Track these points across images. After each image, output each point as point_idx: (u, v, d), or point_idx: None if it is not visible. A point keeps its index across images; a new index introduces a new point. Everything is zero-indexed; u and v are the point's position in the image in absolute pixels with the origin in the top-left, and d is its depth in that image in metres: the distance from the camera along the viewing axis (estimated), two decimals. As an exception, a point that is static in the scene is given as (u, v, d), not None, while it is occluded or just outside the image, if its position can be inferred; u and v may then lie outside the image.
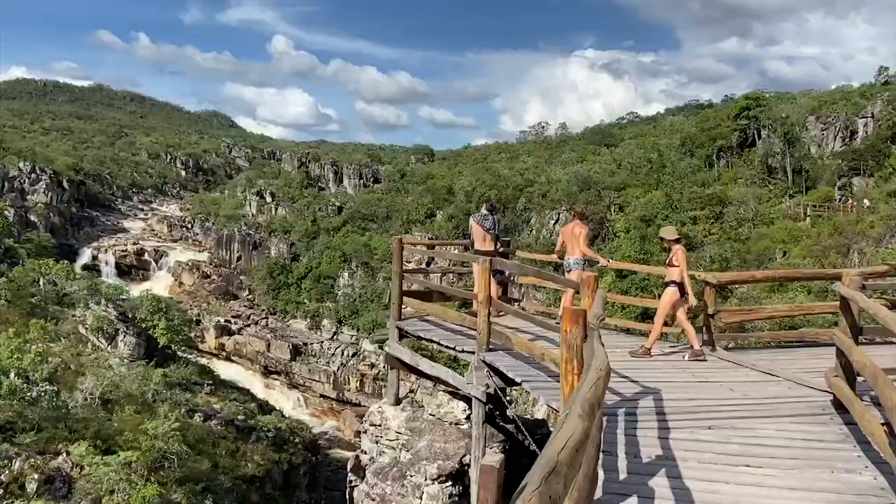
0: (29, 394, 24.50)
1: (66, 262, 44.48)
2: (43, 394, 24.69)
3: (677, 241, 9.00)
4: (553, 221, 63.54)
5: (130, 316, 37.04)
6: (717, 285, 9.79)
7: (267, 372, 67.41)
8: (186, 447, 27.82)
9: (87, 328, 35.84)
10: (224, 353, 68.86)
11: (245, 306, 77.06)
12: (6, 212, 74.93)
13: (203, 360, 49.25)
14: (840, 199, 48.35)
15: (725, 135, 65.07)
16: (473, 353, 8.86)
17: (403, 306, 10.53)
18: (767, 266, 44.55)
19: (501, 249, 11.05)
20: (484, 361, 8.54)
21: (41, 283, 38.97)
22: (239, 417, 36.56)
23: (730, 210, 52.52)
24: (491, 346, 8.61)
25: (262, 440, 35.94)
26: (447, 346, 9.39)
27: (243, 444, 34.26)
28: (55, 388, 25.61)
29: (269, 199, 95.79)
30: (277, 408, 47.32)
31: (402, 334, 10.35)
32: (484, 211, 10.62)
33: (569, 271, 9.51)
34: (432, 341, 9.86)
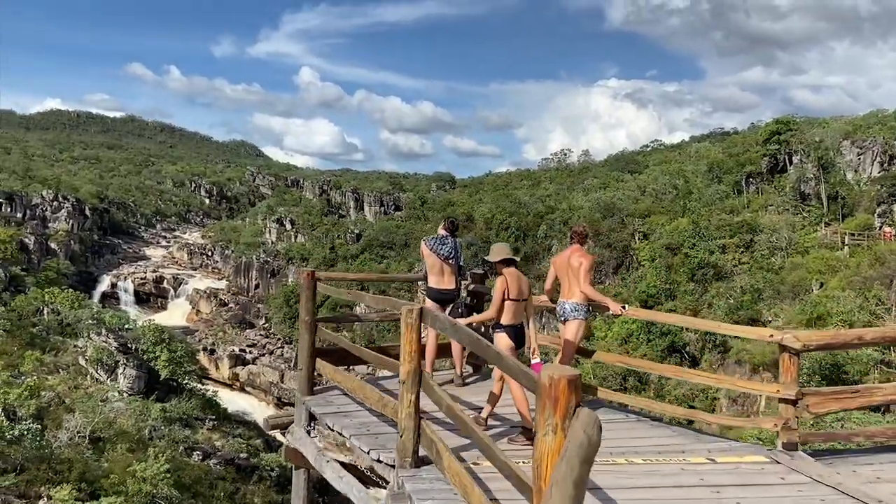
0: (11, 432, 23.00)
1: (70, 290, 43.54)
2: (26, 432, 23.20)
3: (507, 263, 6.05)
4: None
5: (132, 347, 35.71)
6: (801, 351, 5.60)
7: (281, 403, 65.59)
8: (178, 491, 26.14)
9: (86, 360, 34.55)
10: (238, 384, 67.42)
11: (261, 335, 75.78)
12: (25, 239, 75.09)
13: (214, 391, 47.75)
14: (880, 227, 45.70)
15: (755, 160, 62.76)
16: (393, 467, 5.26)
17: (317, 372, 7.34)
18: (803, 298, 41.98)
19: (471, 287, 8.28)
20: (406, 489, 4.79)
21: (45, 312, 37.98)
22: (241, 455, 34.81)
23: (761, 238, 50.10)
24: (423, 458, 5.05)
25: (265, 480, 34.10)
26: (359, 450, 5.72)
27: (244, 485, 32.45)
28: (39, 426, 24.11)
29: (288, 226, 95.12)
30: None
31: (313, 416, 6.96)
32: (441, 231, 7.54)
33: (564, 321, 6.72)
34: (341, 435, 6.15)
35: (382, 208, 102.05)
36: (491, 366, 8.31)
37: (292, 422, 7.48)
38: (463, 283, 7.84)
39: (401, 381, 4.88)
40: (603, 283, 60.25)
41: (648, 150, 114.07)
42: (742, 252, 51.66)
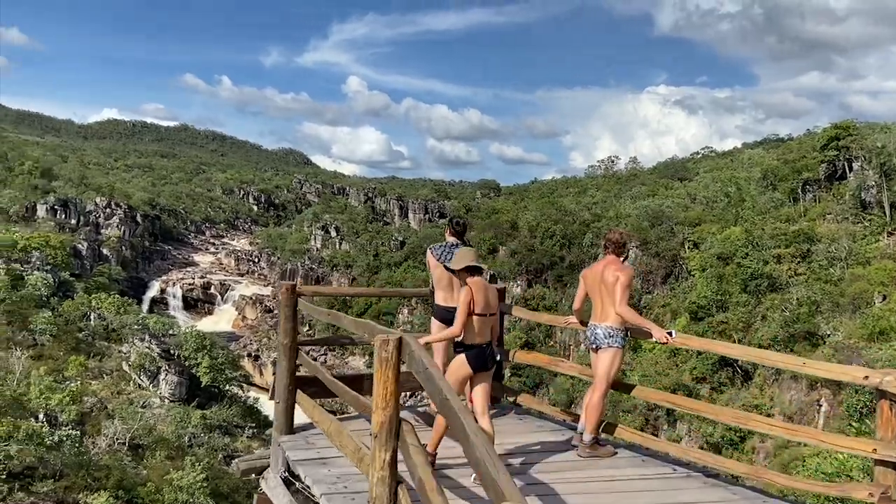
0: (51, 438, 23.14)
1: (117, 295, 44.22)
2: (66, 438, 23.31)
3: (472, 272, 5.10)
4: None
5: (174, 353, 35.93)
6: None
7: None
8: (215, 499, 25.98)
9: (130, 365, 34.88)
10: (281, 390, 67.71)
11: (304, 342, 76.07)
12: (78, 244, 77.15)
13: (256, 398, 47.94)
14: (949, 237, 43.17)
15: (812, 167, 60.24)
16: None
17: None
18: (865, 311, 39.80)
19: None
20: None
21: (91, 317, 38.59)
22: (280, 464, 34.63)
23: (819, 248, 47.88)
24: None
25: (306, 489, 33.80)
26: None
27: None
28: (78, 432, 24.21)
29: (333, 233, 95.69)
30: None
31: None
32: (450, 239, 6.29)
33: (595, 349, 5.50)
34: (310, 494, 5.17)
35: (427, 216, 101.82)
36: (511, 398, 7.11)
37: (267, 465, 6.29)
38: None
39: (372, 435, 3.68)
40: (651, 293, 58.59)
41: (699, 157, 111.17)
42: (798, 262, 49.48)
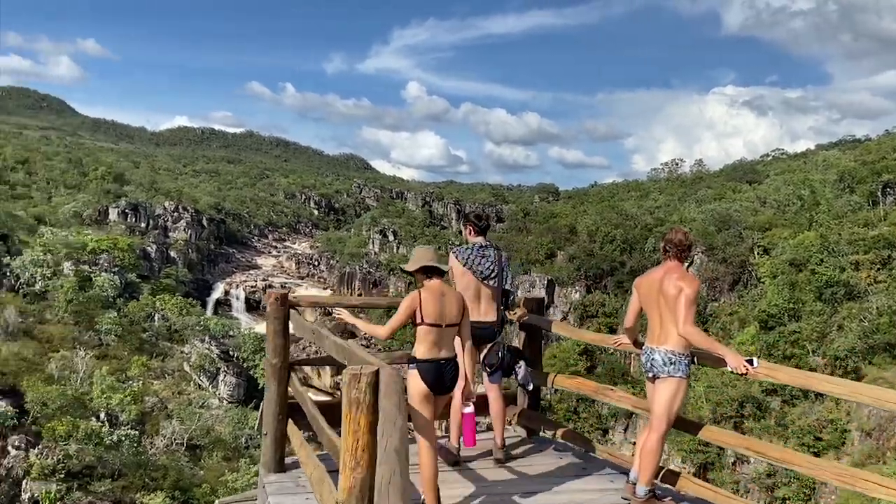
0: (110, 437, 23.50)
1: (180, 297, 45.17)
2: (124, 438, 23.63)
3: (428, 274, 4.39)
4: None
5: (233, 355, 36.34)
6: None
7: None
8: None
9: (190, 366, 35.43)
10: (339, 393, 68.18)
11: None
12: (147, 247, 79.64)
13: (317, 398, 48.13)
14: None
15: (892, 168, 56.88)
16: None
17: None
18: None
19: (521, 317, 5.96)
20: None
21: (155, 318, 39.48)
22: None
23: (901, 254, 44.98)
24: None
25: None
26: None
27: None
28: (137, 432, 24.53)
29: (391, 237, 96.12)
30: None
31: None
32: (475, 239, 5.30)
33: (652, 378, 4.46)
34: None
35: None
36: (550, 432, 6.12)
37: (255, 506, 5.34)
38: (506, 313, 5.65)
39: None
40: (717, 300, 56.31)
41: (769, 159, 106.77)
42: (878, 269, 46.60)
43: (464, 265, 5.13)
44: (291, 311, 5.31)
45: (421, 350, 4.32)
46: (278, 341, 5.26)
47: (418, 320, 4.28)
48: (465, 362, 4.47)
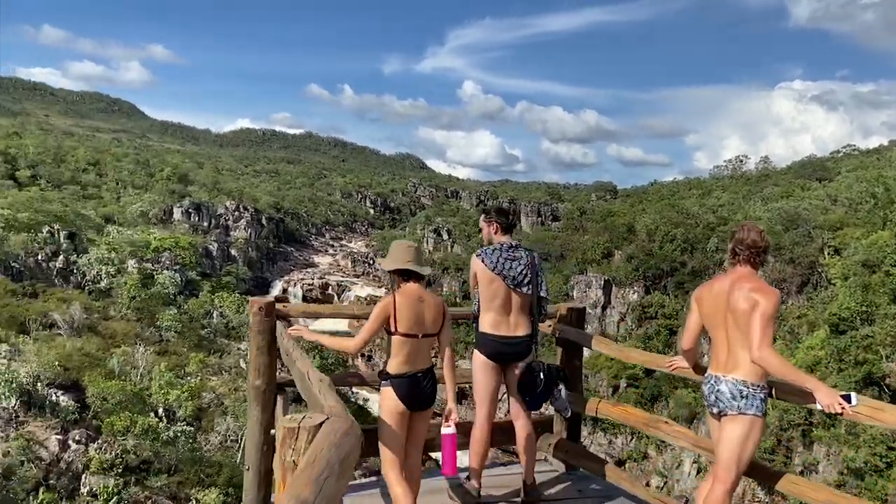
0: (167, 433, 23.92)
1: (238, 294, 46.01)
2: (180, 434, 24.02)
3: (406, 276, 3.92)
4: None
5: (287, 353, 36.71)
6: None
7: (433, 414, 65.79)
8: (320, 501, 25.99)
9: (247, 363, 35.91)
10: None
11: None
12: (209, 246, 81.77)
13: (366, 399, 48.41)
14: None
15: (978, 163, 53.32)
16: None
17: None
18: None
19: (556, 330, 5.27)
20: None
21: (214, 315, 40.29)
22: (386, 467, 34.49)
23: None
24: None
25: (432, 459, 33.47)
26: None
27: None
28: (192, 427, 24.91)
29: (445, 236, 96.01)
30: (434, 456, 44.84)
31: None
32: (501, 239, 4.54)
33: (717, 414, 3.58)
34: None
35: (539, 219, 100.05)
36: (587, 466, 5.10)
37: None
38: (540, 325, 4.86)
39: None
40: (785, 303, 53.98)
41: (840, 155, 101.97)
42: (962, 272, 43.73)
43: (492, 269, 4.35)
44: (280, 322, 4.64)
45: (394, 364, 3.83)
46: (262, 359, 4.53)
47: (392, 329, 3.78)
48: (446, 375, 4.01)
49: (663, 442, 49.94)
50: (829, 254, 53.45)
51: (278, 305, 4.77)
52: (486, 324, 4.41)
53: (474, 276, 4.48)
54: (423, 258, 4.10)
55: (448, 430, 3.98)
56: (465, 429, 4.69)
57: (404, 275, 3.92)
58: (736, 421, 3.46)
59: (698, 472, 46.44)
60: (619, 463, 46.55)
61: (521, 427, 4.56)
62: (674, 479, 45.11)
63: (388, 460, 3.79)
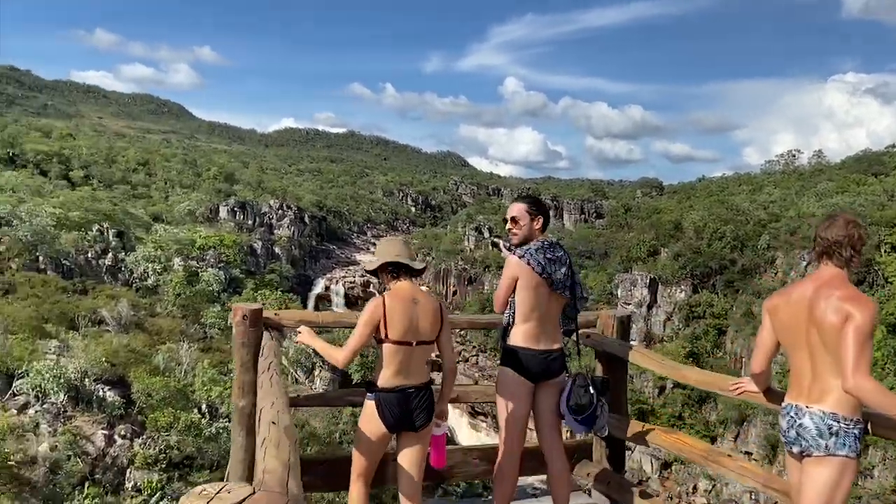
0: (209, 429, 24.09)
1: (280, 292, 46.36)
2: (222, 430, 24.15)
3: (395, 273, 3.47)
4: (804, 263, 53.73)
5: (328, 350, 36.80)
6: None
7: (474, 413, 65.37)
8: (361, 500, 25.90)
9: (288, 360, 36.13)
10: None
11: (457, 342, 76.34)
12: (254, 244, 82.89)
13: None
14: None
15: None
16: None
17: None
18: None
19: (587, 334, 4.66)
20: None
21: (257, 313, 40.56)
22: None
23: None
24: None
25: (450, 495, 33.16)
26: None
27: (428, 498, 31.68)
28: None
29: (486, 234, 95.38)
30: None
31: None
32: (541, 241, 3.86)
33: (798, 453, 2.89)
34: None
35: (583, 216, 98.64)
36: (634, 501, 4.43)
37: None
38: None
39: None
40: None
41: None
42: None
43: (541, 274, 3.72)
44: (270, 332, 4.03)
45: (385, 375, 3.32)
46: (247, 377, 3.86)
47: (382, 336, 3.28)
48: (444, 379, 3.64)
49: (712, 443, 48.61)
50: (885, 251, 51.27)
51: (268, 313, 4.13)
52: (523, 336, 3.79)
53: (513, 280, 3.76)
54: (413, 252, 3.64)
55: (439, 430, 3.64)
56: (487, 455, 4.33)
57: (394, 271, 3.42)
58: (823, 464, 2.79)
59: (748, 477, 45.09)
60: (665, 465, 45.40)
61: (557, 458, 3.90)
62: (722, 482, 43.74)
63: (354, 479, 3.46)
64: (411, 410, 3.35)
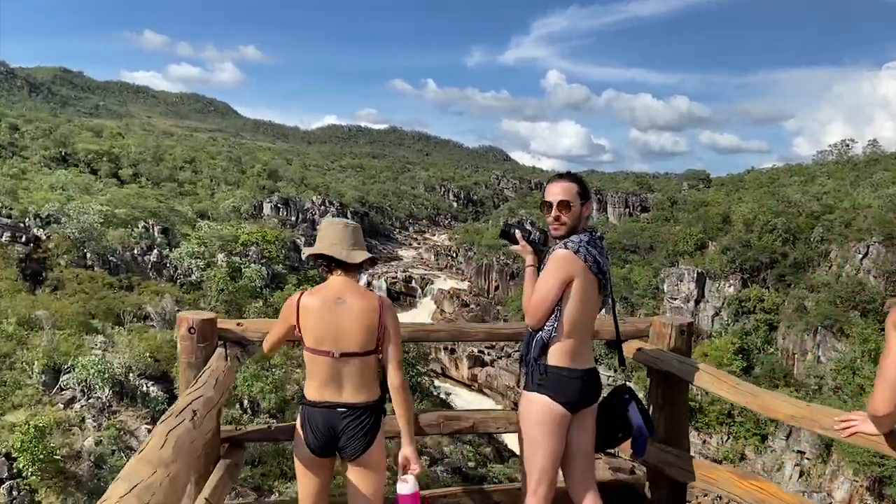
0: (250, 425, 24.10)
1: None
2: (264, 426, 24.15)
3: (328, 265, 2.90)
4: (860, 256, 51.54)
5: (369, 346, 36.67)
6: None
7: (517, 408, 64.87)
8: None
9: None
10: (476, 385, 68.01)
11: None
12: (297, 240, 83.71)
13: (451, 392, 48.08)
14: None
15: None
16: None
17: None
18: None
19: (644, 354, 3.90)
20: None
21: (298, 308, 40.72)
22: (468, 464, 33.79)
23: None
24: None
25: (492, 493, 32.66)
26: None
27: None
28: (275, 420, 24.99)
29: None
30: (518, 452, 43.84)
31: None
32: (589, 231, 3.14)
33: None
34: None
35: (627, 209, 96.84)
36: None
37: None
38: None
39: None
40: (899, 297, 49.62)
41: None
42: None
43: (597, 273, 3.00)
44: (223, 350, 3.28)
45: (311, 386, 2.80)
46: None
47: (299, 338, 2.78)
48: (397, 408, 2.89)
49: (762, 442, 47.09)
50: (952, 244, 48.78)
51: (229, 324, 3.37)
52: (567, 353, 3.00)
53: (565, 281, 2.94)
54: (359, 240, 2.98)
55: (406, 488, 2.81)
56: (511, 497, 3.57)
57: (326, 264, 2.87)
58: None
59: (800, 476, 43.47)
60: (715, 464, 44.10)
61: (592, 502, 3.14)
62: (774, 482, 42.33)
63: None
64: (338, 434, 2.76)
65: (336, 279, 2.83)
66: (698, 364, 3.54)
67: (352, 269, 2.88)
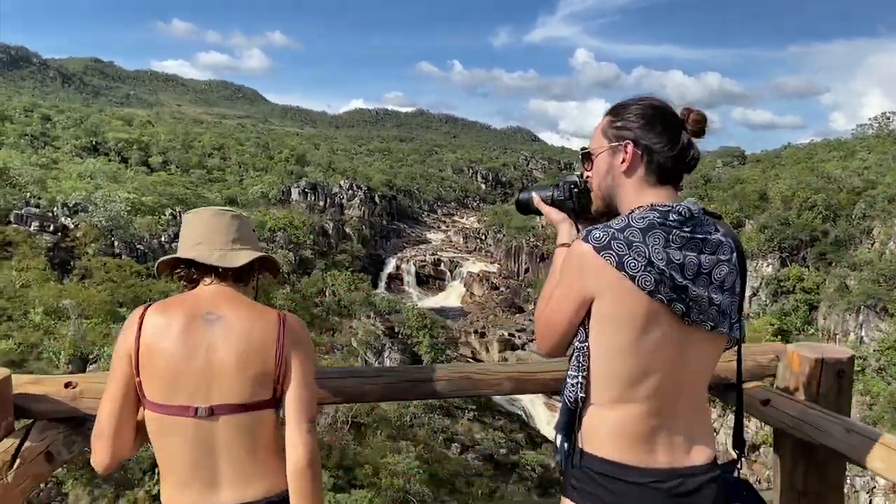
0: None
1: (349, 272, 46.14)
2: (290, 414, 23.81)
3: (197, 272, 1.73)
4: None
5: (397, 331, 36.22)
6: None
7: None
8: (435, 485, 25.19)
9: (358, 341, 35.78)
10: (506, 368, 67.58)
11: (529, 320, 74.90)
12: (325, 224, 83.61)
13: (535, 414, 47.55)
14: None
15: None
16: None
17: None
18: None
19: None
20: None
21: (326, 293, 40.52)
22: (501, 451, 33.27)
23: None
24: None
25: (525, 480, 32.10)
26: None
27: (502, 484, 30.75)
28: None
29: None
30: (552, 438, 43.21)
31: None
32: (654, 206, 1.56)
33: None
34: None
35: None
36: None
37: None
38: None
39: None
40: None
41: None
42: None
43: (656, 290, 1.47)
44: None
45: (165, 490, 1.66)
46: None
47: (138, 392, 1.63)
48: (296, 493, 1.59)
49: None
50: None
51: (36, 387, 2.00)
52: (613, 433, 1.55)
53: (585, 302, 1.54)
54: (246, 236, 1.84)
55: None
56: None
57: (186, 269, 1.75)
58: None
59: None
60: (753, 448, 42.84)
61: None
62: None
63: None
64: None
65: (206, 288, 1.73)
66: (877, 433, 1.94)
67: (233, 278, 1.76)
